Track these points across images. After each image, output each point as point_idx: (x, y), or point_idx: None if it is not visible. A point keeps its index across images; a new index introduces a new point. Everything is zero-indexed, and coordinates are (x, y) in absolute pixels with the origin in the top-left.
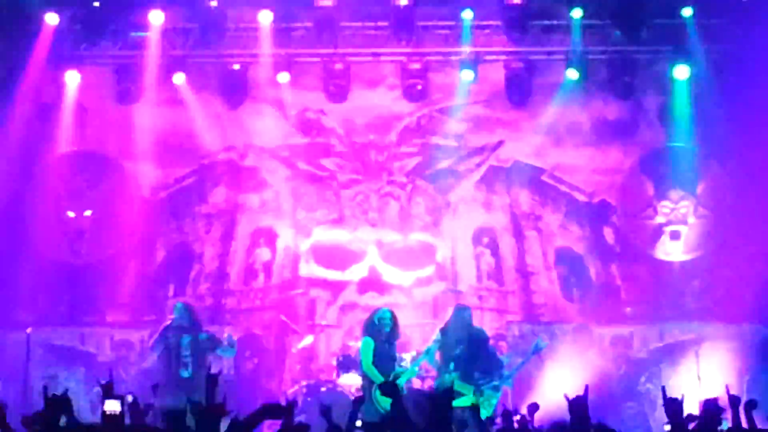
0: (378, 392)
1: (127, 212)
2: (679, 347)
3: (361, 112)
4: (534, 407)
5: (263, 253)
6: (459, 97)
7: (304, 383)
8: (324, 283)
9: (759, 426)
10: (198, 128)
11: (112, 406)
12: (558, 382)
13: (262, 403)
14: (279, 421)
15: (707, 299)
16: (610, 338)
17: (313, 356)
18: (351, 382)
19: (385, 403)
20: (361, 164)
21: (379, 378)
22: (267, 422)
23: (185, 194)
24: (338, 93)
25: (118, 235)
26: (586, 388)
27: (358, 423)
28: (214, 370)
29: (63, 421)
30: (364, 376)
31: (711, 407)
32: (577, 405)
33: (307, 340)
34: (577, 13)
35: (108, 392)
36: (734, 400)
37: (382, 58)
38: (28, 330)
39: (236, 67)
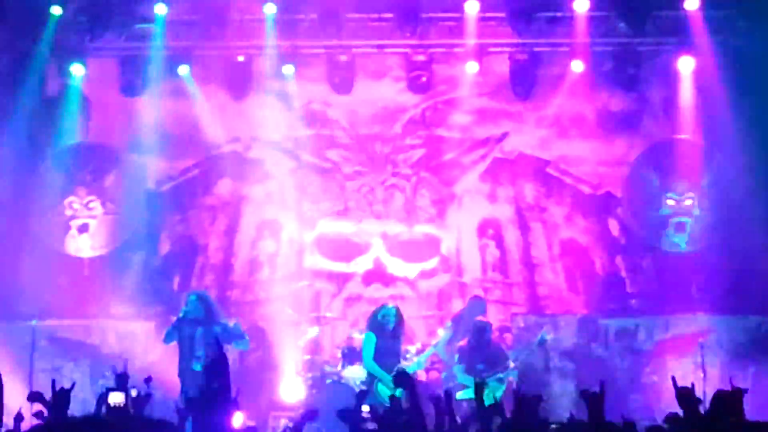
0: (380, 386)
1: (132, 204)
2: (684, 339)
3: (365, 104)
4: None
5: (268, 245)
6: (464, 88)
7: (309, 375)
8: (329, 275)
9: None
10: (203, 120)
11: (117, 398)
12: (563, 374)
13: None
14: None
15: (712, 291)
16: (615, 330)
17: (318, 348)
18: (356, 374)
19: (386, 396)
20: (366, 156)
21: (380, 373)
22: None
23: (190, 186)
24: (343, 85)
25: (122, 227)
26: (602, 384)
27: (366, 408)
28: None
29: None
30: (367, 371)
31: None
32: (595, 402)
33: (312, 332)
34: (582, 4)
35: (122, 383)
36: (738, 393)
37: (387, 49)
38: (33, 322)
39: (241, 58)
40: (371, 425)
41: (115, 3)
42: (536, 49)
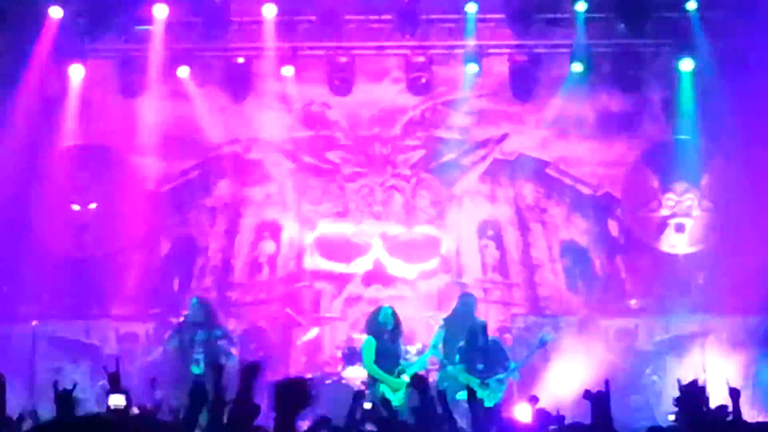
0: (382, 388)
1: (132, 205)
2: (685, 339)
3: (365, 106)
4: (534, 399)
5: (268, 246)
6: (463, 90)
7: (309, 376)
8: (329, 276)
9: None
10: (202, 121)
11: (117, 400)
12: (563, 375)
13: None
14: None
15: (712, 291)
16: (615, 331)
17: (318, 349)
18: (356, 374)
19: (389, 398)
20: (366, 157)
21: (382, 376)
22: None
23: (190, 187)
24: (342, 86)
25: (122, 228)
26: (607, 382)
27: (367, 405)
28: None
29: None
30: (368, 374)
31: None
32: (599, 401)
33: (312, 332)
34: (581, 6)
35: (114, 382)
36: (734, 393)
37: (387, 51)
38: (34, 323)
39: (240, 60)
40: (370, 427)
41: (115, 4)
42: (536, 50)
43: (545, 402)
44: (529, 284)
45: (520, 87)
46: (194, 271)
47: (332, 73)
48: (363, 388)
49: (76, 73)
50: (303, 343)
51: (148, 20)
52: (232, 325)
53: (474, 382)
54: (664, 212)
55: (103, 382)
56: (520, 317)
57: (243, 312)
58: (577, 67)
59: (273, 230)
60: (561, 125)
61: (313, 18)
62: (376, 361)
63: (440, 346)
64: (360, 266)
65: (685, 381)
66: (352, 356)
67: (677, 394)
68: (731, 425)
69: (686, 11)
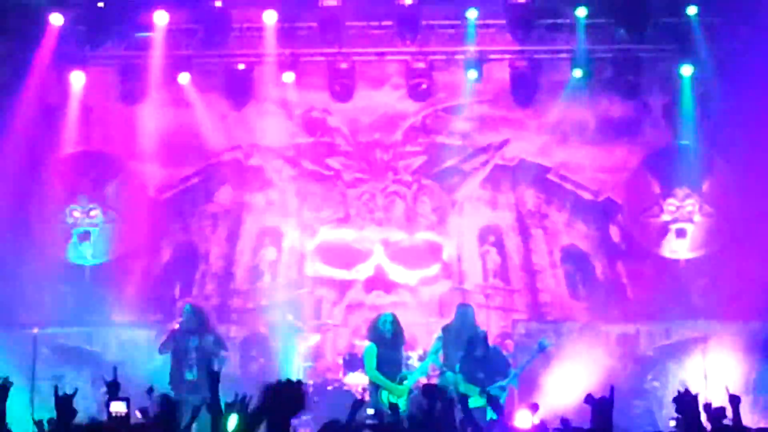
0: (385, 394)
1: (133, 212)
2: (686, 345)
3: (366, 112)
4: (534, 407)
5: (269, 253)
6: (464, 96)
7: (310, 382)
8: (330, 283)
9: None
10: (203, 128)
11: (118, 407)
12: (564, 381)
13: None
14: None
15: (713, 297)
16: (616, 336)
17: (320, 355)
18: (357, 381)
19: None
20: (367, 163)
21: (384, 382)
22: None
23: (191, 194)
24: (343, 92)
25: (123, 235)
26: (612, 389)
27: (370, 411)
28: (213, 367)
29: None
30: (371, 381)
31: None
32: (602, 407)
33: (314, 339)
34: (581, 11)
35: (113, 391)
36: (734, 400)
37: (387, 57)
38: (35, 330)
39: (241, 67)
40: None
41: (115, 11)
42: (536, 56)
43: (547, 408)
44: (530, 290)
45: (520, 93)
46: (195, 277)
47: (333, 80)
48: (364, 394)
49: (77, 80)
50: (304, 349)
51: (149, 27)
52: (233, 332)
53: (474, 391)
54: (666, 218)
55: (105, 388)
56: (522, 323)
57: (244, 318)
58: (577, 73)
59: (274, 236)
60: (562, 131)
61: (313, 24)
62: (378, 368)
63: (440, 353)
64: (361, 272)
65: (683, 388)
66: (353, 363)
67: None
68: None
69: (687, 17)
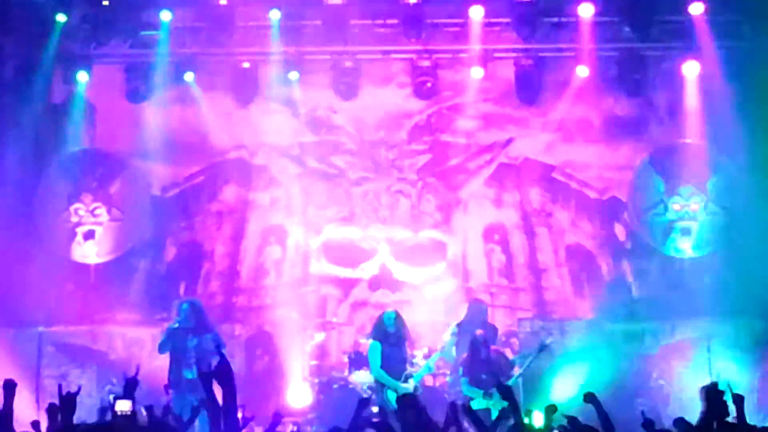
0: (390, 393)
1: (138, 211)
2: (691, 343)
3: (371, 110)
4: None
5: (274, 251)
6: (469, 94)
7: (316, 380)
8: (335, 281)
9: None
10: (208, 126)
11: (124, 406)
12: (569, 379)
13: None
14: None
15: (718, 295)
16: (621, 335)
17: (325, 353)
18: (362, 379)
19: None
20: (372, 162)
21: (388, 380)
22: None
23: (196, 192)
24: (348, 91)
25: (128, 233)
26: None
27: (375, 409)
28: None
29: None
30: (375, 379)
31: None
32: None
33: (319, 337)
34: (587, 9)
35: (130, 388)
36: (738, 399)
37: (392, 55)
38: (40, 329)
39: (246, 65)
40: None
41: (120, 10)
42: (541, 54)
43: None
44: (535, 288)
45: (525, 91)
46: (200, 276)
47: (338, 78)
48: (369, 393)
49: (82, 78)
50: (309, 347)
51: (154, 26)
52: (238, 330)
53: (477, 393)
54: (670, 216)
55: (110, 387)
56: (527, 321)
57: (249, 317)
58: (582, 71)
59: (279, 235)
60: (567, 129)
61: (318, 22)
62: (383, 366)
63: (451, 352)
64: (366, 271)
65: (687, 385)
66: (358, 361)
67: (684, 397)
68: (737, 430)
69: (692, 15)
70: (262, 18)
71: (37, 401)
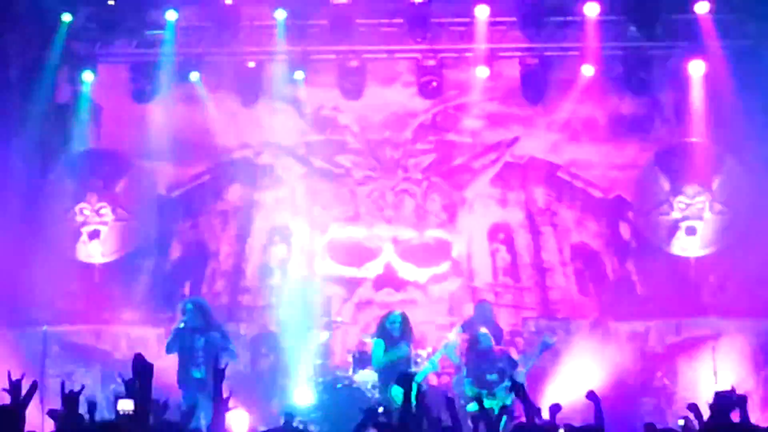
0: (394, 390)
1: (143, 210)
2: (696, 342)
3: (376, 109)
4: (556, 408)
5: (279, 251)
6: (474, 93)
7: (320, 380)
8: (340, 280)
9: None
10: (213, 126)
11: (126, 405)
12: (573, 378)
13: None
14: None
15: (723, 294)
16: (626, 334)
17: (329, 353)
18: (367, 378)
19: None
20: (377, 161)
21: (392, 353)
22: None
23: (201, 192)
24: (353, 90)
25: (133, 233)
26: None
27: (380, 410)
28: (222, 365)
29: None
30: (379, 377)
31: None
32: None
33: (323, 336)
34: (592, 8)
35: (132, 388)
36: (741, 399)
37: (397, 55)
38: (45, 328)
39: (251, 64)
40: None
41: (126, 10)
42: (547, 53)
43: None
44: (540, 288)
45: (531, 90)
46: (205, 275)
47: (343, 77)
48: (374, 392)
49: (88, 78)
50: (314, 347)
51: (159, 25)
52: (243, 330)
53: (481, 393)
54: (676, 215)
55: (114, 386)
56: (531, 321)
57: (254, 316)
58: (588, 70)
59: (284, 234)
60: (572, 128)
61: (324, 22)
62: (386, 365)
63: (456, 351)
64: (371, 270)
65: (691, 385)
66: (363, 360)
67: (690, 397)
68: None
69: (697, 13)
70: (268, 17)
71: (42, 401)
